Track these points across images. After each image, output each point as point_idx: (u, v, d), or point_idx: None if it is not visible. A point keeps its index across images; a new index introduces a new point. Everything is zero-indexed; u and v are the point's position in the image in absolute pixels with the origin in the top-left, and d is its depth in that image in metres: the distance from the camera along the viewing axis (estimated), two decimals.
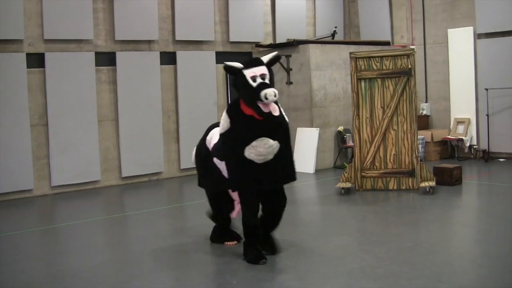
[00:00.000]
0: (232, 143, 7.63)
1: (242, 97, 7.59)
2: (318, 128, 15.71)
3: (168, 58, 15.76)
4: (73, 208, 12.64)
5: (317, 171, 15.48)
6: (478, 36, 16.50)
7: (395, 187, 12.38)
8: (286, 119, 7.90)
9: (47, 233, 10.56)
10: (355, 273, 7.18)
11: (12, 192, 13.47)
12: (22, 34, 13.57)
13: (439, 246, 8.25)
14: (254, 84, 7.37)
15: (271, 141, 7.53)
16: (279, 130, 7.66)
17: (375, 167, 12.48)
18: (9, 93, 13.36)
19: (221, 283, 7.16)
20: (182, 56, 15.90)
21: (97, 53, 14.62)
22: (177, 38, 15.90)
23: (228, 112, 7.75)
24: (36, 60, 13.85)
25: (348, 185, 12.40)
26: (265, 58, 7.65)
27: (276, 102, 7.55)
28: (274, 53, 7.74)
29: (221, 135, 7.80)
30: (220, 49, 16.84)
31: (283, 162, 7.78)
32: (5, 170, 13.28)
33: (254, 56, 17.12)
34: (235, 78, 7.60)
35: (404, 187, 12.33)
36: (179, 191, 13.85)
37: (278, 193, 8.01)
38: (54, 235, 10.42)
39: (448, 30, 17.10)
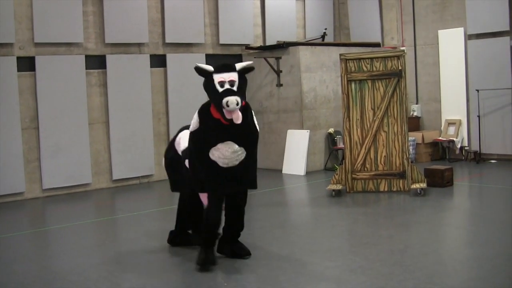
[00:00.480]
0: (199, 142, 7.64)
1: (210, 100, 7.59)
2: (309, 130, 15.72)
3: (158, 61, 15.75)
4: (64, 211, 12.64)
5: (308, 173, 15.50)
6: (468, 37, 16.55)
7: (386, 189, 12.40)
8: (257, 127, 7.86)
9: (38, 235, 10.56)
10: (346, 275, 7.19)
11: (3, 195, 13.43)
12: (12, 37, 13.55)
13: (430, 248, 8.27)
14: (220, 90, 7.32)
15: (236, 146, 7.51)
16: (247, 137, 7.65)
17: (365, 169, 12.49)
18: (0, 96, 13.33)
19: (211, 285, 7.15)
20: (172, 58, 15.90)
21: (87, 56, 14.61)
22: (167, 41, 15.90)
23: (199, 112, 7.72)
24: (26, 64, 13.83)
25: (339, 187, 12.41)
26: (239, 65, 7.57)
27: (246, 110, 7.57)
28: (249, 62, 7.72)
29: (190, 133, 7.83)
30: (210, 51, 16.85)
31: (246, 170, 7.76)
32: None
33: (244, 58, 17.16)
34: (205, 81, 7.53)
35: (395, 189, 12.35)
36: (170, 193, 13.78)
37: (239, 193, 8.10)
38: (45, 238, 10.42)
39: (439, 31, 17.14)
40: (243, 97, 7.40)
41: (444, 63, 17.06)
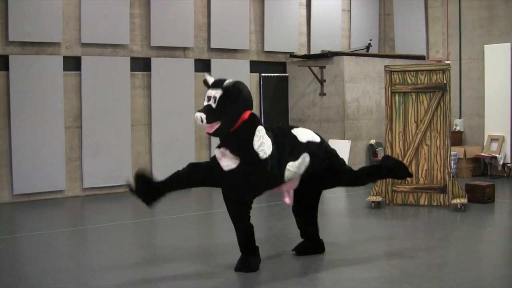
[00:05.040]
0: None
1: None
2: (350, 141, 15.67)
3: (203, 66, 15.80)
4: (103, 210, 12.76)
5: None
6: None
7: (426, 203, 12.30)
8: (257, 149, 7.41)
9: (76, 233, 10.68)
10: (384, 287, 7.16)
11: (44, 192, 13.61)
12: (60, 37, 13.73)
13: (469, 264, 8.19)
14: (204, 104, 7.44)
15: (225, 154, 7.55)
16: (239, 151, 7.52)
17: (406, 182, 12.38)
18: (45, 94, 13.52)
19: None
20: (216, 64, 15.95)
21: (132, 58, 14.74)
22: (212, 46, 15.97)
23: None
24: (72, 63, 14.00)
25: (379, 198, 12.35)
26: (225, 83, 7.44)
27: (246, 127, 7.46)
28: (233, 81, 7.49)
29: None
30: (255, 58, 16.89)
31: (238, 182, 7.61)
32: (39, 170, 13.44)
33: (288, 66, 17.21)
34: None
35: (435, 203, 12.24)
36: (209, 198, 13.84)
37: None
38: (83, 236, 10.55)
39: (485, 45, 16.95)
40: (219, 114, 7.30)
41: (489, 78, 16.84)
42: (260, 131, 7.49)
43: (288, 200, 8.25)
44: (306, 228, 8.67)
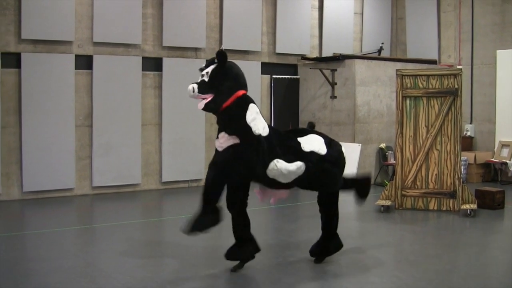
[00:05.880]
0: None
1: None
2: (360, 144, 15.65)
3: None
4: (112, 209, 12.77)
5: None
6: None
7: (435, 208, 12.27)
8: (249, 122, 7.40)
9: (85, 232, 10.71)
10: None
11: (53, 190, 13.65)
12: (72, 36, 13.77)
13: (478, 270, 8.17)
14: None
15: (223, 136, 7.52)
16: (231, 126, 7.50)
17: (416, 186, 12.38)
18: (57, 93, 13.57)
19: None
20: None
21: (144, 58, 14.77)
22: (224, 47, 15.96)
23: None
24: (84, 62, 14.04)
25: (388, 203, 12.32)
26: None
27: (239, 103, 7.45)
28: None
29: None
30: (266, 60, 16.89)
31: (226, 155, 7.51)
32: (49, 168, 13.48)
33: (299, 69, 17.23)
34: None
35: (444, 208, 12.21)
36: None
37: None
38: (92, 235, 10.57)
39: (497, 51, 16.90)
40: (211, 86, 7.38)
41: (501, 83, 16.79)
42: (253, 107, 7.48)
43: (272, 200, 8.32)
44: (323, 221, 8.62)
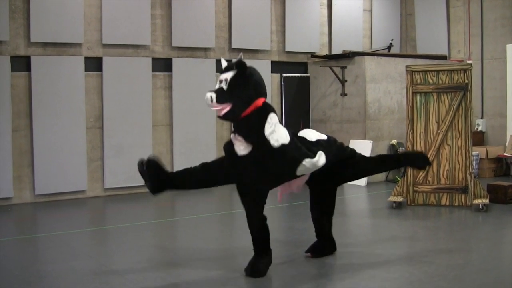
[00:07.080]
0: None
1: None
2: (371, 141, 15.62)
3: None
4: (124, 210, 12.82)
5: (369, 184, 15.37)
6: None
7: (447, 203, 12.23)
8: (268, 135, 7.26)
9: (97, 233, 10.72)
10: None
11: (65, 192, 13.69)
12: (81, 38, 13.81)
13: (490, 265, 8.13)
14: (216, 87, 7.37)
15: (238, 139, 7.43)
16: (251, 133, 7.38)
17: (427, 182, 12.35)
18: (67, 95, 13.61)
19: None
20: None
21: (154, 59, 14.80)
22: (233, 46, 15.98)
23: None
24: (94, 64, 14.07)
25: (400, 199, 12.30)
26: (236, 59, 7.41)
27: (258, 113, 7.32)
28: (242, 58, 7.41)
29: None
30: (276, 58, 16.90)
31: (249, 168, 7.50)
32: (60, 170, 13.53)
33: (309, 67, 17.21)
34: None
35: (456, 204, 12.17)
36: (229, 198, 13.86)
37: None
38: (104, 236, 10.58)
39: (507, 45, 16.85)
40: (230, 95, 7.21)
41: None
42: (273, 118, 7.32)
43: (279, 198, 8.38)
44: (322, 224, 8.55)
